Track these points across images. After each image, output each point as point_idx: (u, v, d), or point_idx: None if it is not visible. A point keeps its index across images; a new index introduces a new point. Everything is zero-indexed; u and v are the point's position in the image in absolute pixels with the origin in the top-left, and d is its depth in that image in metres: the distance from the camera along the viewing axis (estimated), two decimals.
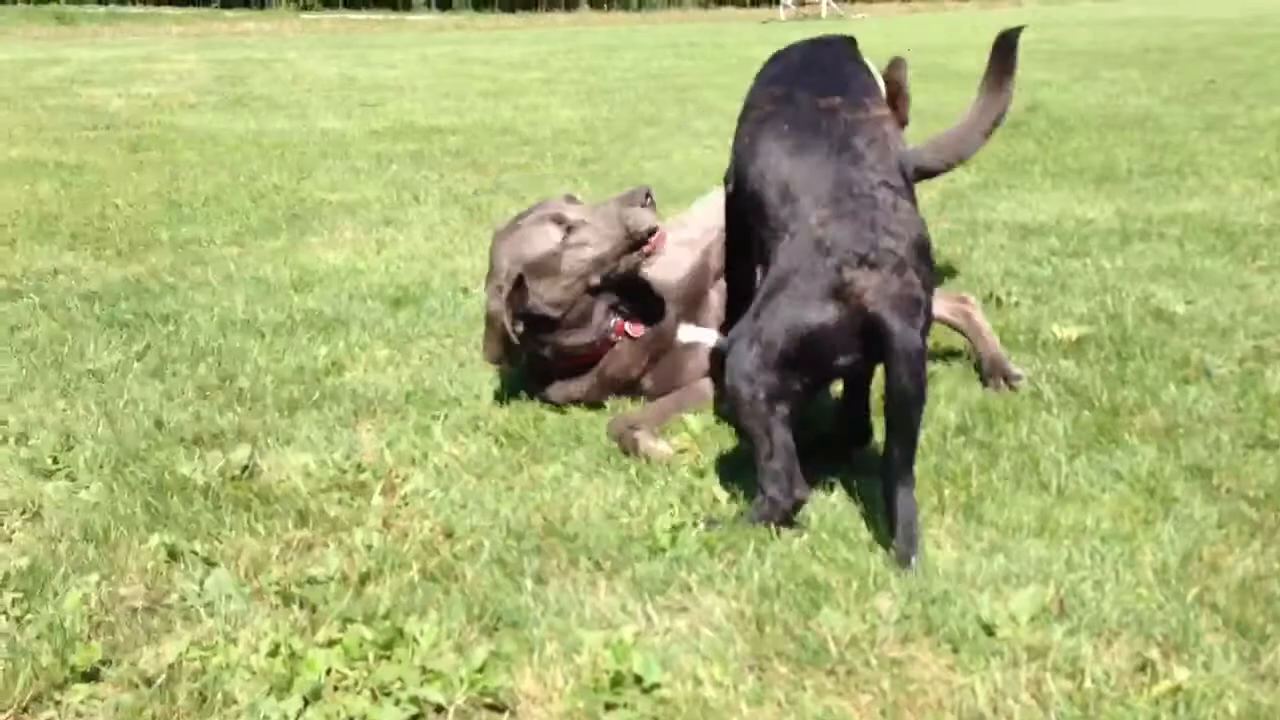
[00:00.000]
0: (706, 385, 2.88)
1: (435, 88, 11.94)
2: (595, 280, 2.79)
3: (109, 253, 4.53)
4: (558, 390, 2.86)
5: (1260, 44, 14.17)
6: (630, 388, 2.88)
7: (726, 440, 2.57)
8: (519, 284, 2.72)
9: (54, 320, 3.60)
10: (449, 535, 2.19)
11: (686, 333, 2.93)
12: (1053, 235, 4.38)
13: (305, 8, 47.40)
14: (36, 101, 10.65)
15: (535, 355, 2.83)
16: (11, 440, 2.65)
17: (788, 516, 2.16)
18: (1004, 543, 2.07)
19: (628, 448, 2.56)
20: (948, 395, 2.77)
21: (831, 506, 2.24)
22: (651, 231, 2.79)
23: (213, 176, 6.34)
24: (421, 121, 8.92)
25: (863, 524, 2.17)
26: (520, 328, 2.73)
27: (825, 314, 2.07)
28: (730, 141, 2.63)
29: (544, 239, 2.78)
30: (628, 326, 2.88)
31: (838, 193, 2.17)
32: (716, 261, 3.00)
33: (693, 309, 2.96)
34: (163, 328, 3.52)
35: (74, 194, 5.81)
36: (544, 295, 2.76)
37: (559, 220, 2.80)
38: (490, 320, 2.75)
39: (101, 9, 41.48)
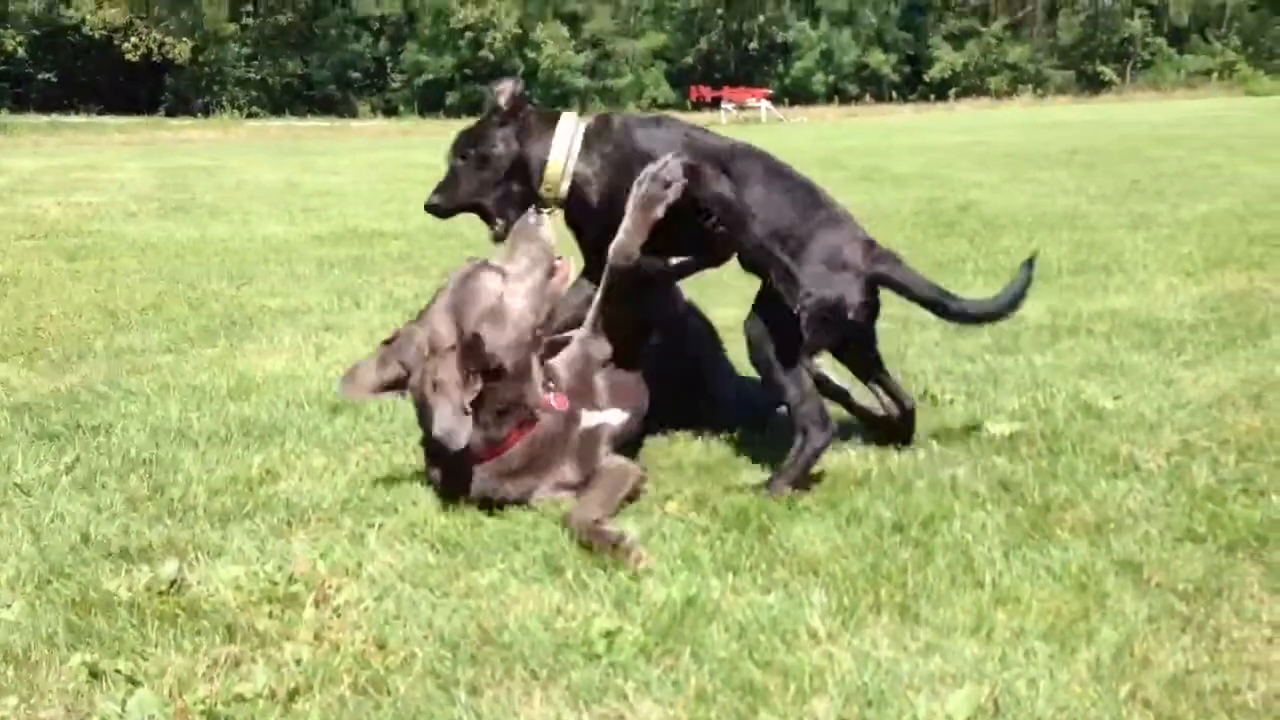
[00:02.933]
0: (631, 465, 2.92)
1: (379, 193, 12.05)
2: (540, 320, 2.87)
3: (41, 363, 4.47)
4: (483, 481, 2.84)
5: (1182, 145, 14.74)
6: (553, 469, 2.87)
7: (664, 542, 2.56)
8: (474, 343, 2.73)
9: None
10: (381, 647, 2.15)
11: (590, 417, 2.97)
12: (985, 333, 4.47)
13: (250, 115, 47.74)
14: None
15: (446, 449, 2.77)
16: None
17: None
18: (940, 642, 2.07)
19: (601, 545, 2.53)
20: (886, 496, 2.79)
21: (768, 607, 2.24)
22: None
23: (151, 284, 6.31)
24: (365, 226, 8.97)
25: (798, 621, 2.16)
26: (478, 386, 2.72)
27: None
28: None
29: (486, 290, 2.81)
30: (553, 399, 2.89)
31: None
32: (597, 351, 3.08)
33: (583, 398, 3.00)
34: (94, 439, 3.47)
35: (7, 304, 5.75)
36: (501, 343, 2.78)
37: (491, 267, 2.85)
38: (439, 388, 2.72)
39: (44, 119, 41.45)
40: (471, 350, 2.73)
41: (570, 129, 3.14)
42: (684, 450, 3.25)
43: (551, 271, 2.93)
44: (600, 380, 3.06)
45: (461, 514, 2.80)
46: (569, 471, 2.90)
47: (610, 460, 2.95)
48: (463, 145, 3.18)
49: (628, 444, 3.11)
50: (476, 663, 2.09)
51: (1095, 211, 8.31)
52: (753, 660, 2.04)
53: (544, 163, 3.11)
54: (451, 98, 57.02)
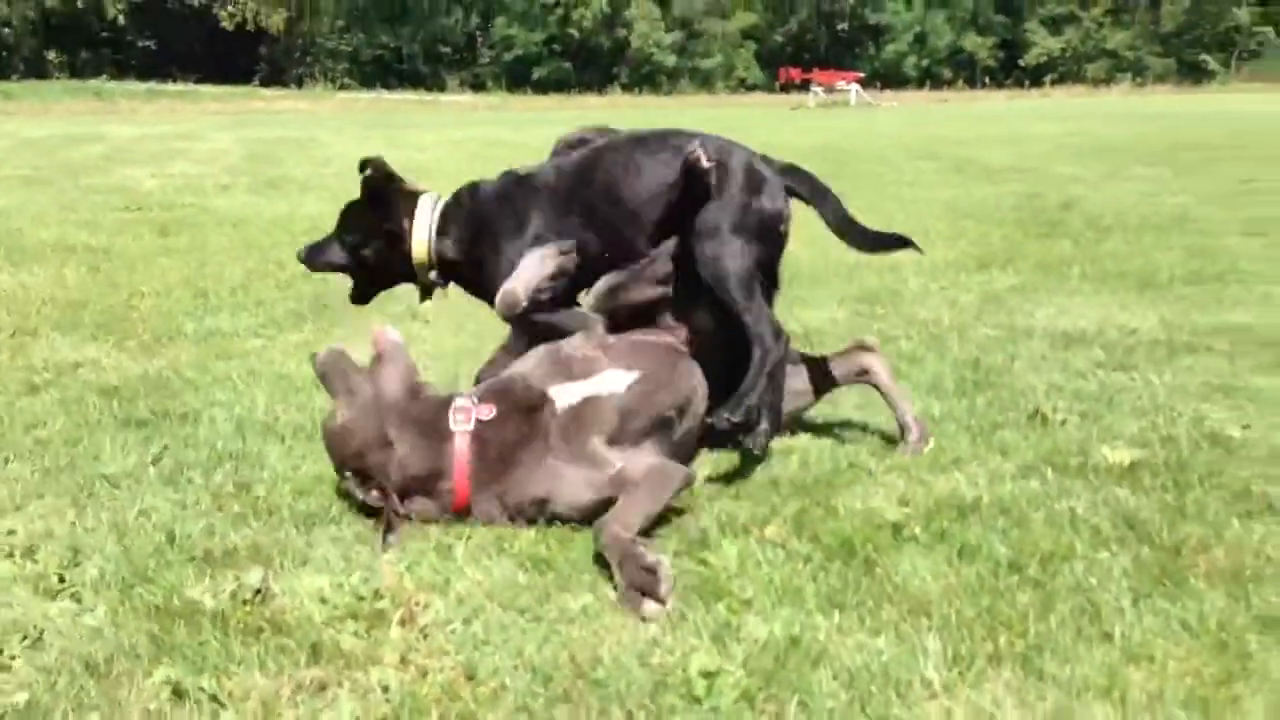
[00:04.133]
0: (672, 466, 2.78)
1: (465, 171, 12.00)
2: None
3: (132, 345, 4.46)
4: (481, 504, 2.77)
5: None
6: (538, 455, 2.75)
7: (762, 570, 2.43)
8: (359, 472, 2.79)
9: (70, 418, 3.51)
10: (470, 677, 2.06)
11: (566, 392, 2.82)
12: (1096, 345, 4.26)
13: (341, 88, 48.35)
14: (71, 180, 10.76)
15: None
16: (18, 555, 2.54)
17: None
18: (1070, 704, 1.92)
19: (629, 568, 2.36)
20: (999, 528, 2.63)
21: (878, 652, 2.10)
22: None
23: (241, 263, 6.32)
24: None
25: (911, 670, 2.02)
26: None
27: None
28: None
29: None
30: (475, 409, 2.81)
31: None
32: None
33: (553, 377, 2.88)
34: (181, 429, 3.43)
35: (101, 280, 5.78)
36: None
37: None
38: None
39: (141, 86, 42.43)
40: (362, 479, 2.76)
41: (428, 209, 3.30)
42: (780, 466, 3.11)
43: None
44: (583, 353, 2.91)
45: (549, 531, 2.70)
46: (565, 452, 2.73)
47: (646, 461, 2.74)
48: (346, 222, 3.36)
49: (657, 419, 2.87)
50: (570, 700, 1.98)
51: (1206, 214, 7.94)
52: (865, 714, 1.90)
53: (408, 248, 3.28)
54: (539, 73, 57.12)
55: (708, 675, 2.03)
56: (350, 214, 3.35)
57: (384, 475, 2.74)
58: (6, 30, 53.77)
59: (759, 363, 2.97)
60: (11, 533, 2.66)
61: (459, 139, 17.95)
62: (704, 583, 2.41)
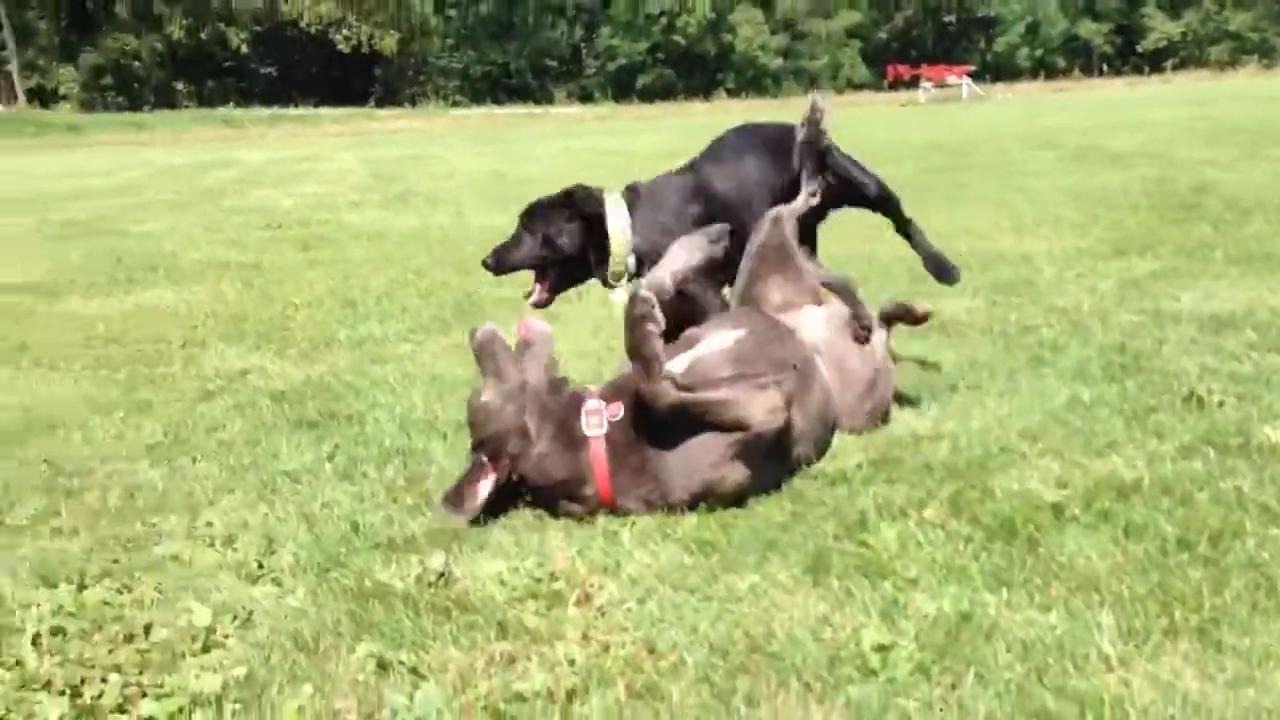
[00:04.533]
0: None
1: (581, 179, 12.20)
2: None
3: (292, 352, 4.69)
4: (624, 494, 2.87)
5: None
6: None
7: (924, 550, 2.48)
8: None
9: (247, 421, 3.73)
10: (651, 650, 2.15)
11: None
12: (1248, 328, 4.17)
13: (453, 104, 49.35)
14: (212, 204, 11.27)
15: None
16: (218, 544, 2.72)
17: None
18: (1251, 674, 1.92)
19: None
20: (1164, 508, 2.62)
21: (1050, 627, 2.13)
22: None
23: (382, 273, 6.57)
24: None
25: (1086, 644, 2.05)
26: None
27: None
28: None
29: None
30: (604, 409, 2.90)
31: None
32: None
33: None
34: (349, 428, 3.61)
35: (255, 294, 6.08)
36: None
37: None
38: None
39: (265, 112, 43.98)
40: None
41: (616, 199, 3.66)
42: (931, 451, 3.14)
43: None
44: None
45: (710, 514, 2.78)
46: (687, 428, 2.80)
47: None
48: (538, 219, 3.69)
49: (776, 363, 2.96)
50: (748, 672, 2.06)
51: None
52: (1043, 685, 1.94)
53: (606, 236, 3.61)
54: (643, 81, 57.46)
55: (881, 649, 2.09)
56: (542, 211, 3.65)
57: (515, 461, 2.83)
58: (137, 63, 56.21)
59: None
60: (210, 524, 2.85)
61: (572, 149, 18.22)
62: (867, 563, 2.46)
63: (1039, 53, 59.16)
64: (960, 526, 2.61)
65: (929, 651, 2.07)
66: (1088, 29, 59.77)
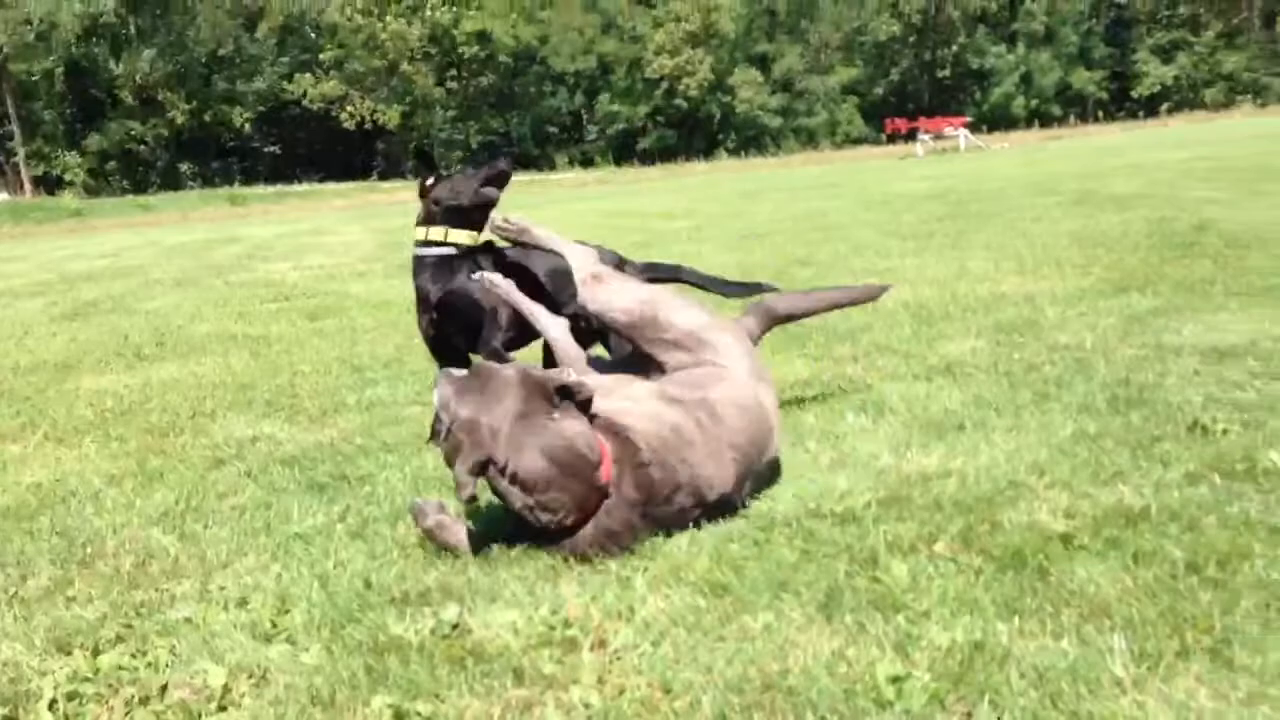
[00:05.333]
0: None
1: (589, 239, 12.31)
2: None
3: (301, 419, 4.73)
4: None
5: None
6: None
7: (935, 584, 2.49)
8: None
9: (258, 486, 3.75)
10: (667, 691, 2.16)
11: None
12: (1250, 357, 4.20)
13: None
14: (219, 278, 11.38)
15: None
16: (232, 605, 2.73)
17: None
18: (1265, 690, 1.92)
19: None
20: (1171, 534, 2.63)
21: (1063, 653, 2.13)
22: None
23: (389, 339, 6.62)
24: None
25: (1099, 668, 2.05)
26: None
27: None
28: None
29: None
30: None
31: None
32: None
33: None
34: (360, 489, 3.63)
35: (263, 364, 6.12)
36: None
37: None
38: None
39: (270, 189, 44.53)
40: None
41: None
42: (940, 487, 3.15)
43: None
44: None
45: (722, 556, 2.79)
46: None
47: None
48: None
49: None
50: (764, 709, 2.06)
51: None
52: (1057, 709, 1.94)
53: None
54: (644, 143, 58.05)
55: (895, 680, 2.09)
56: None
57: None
58: (142, 147, 57.06)
59: None
60: (223, 588, 2.86)
61: (577, 211, 18.41)
62: (879, 598, 2.47)
63: (1034, 102, 59.77)
64: (971, 559, 2.62)
65: (943, 681, 2.08)
66: (1081, 77, 60.45)
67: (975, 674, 2.09)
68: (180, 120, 56.04)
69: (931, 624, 2.31)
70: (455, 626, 2.51)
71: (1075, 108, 57.51)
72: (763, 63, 62.28)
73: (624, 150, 57.74)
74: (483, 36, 59.35)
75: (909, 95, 62.03)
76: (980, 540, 2.72)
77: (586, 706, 2.12)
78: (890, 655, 2.21)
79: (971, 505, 2.98)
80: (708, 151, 53.94)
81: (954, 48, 62.46)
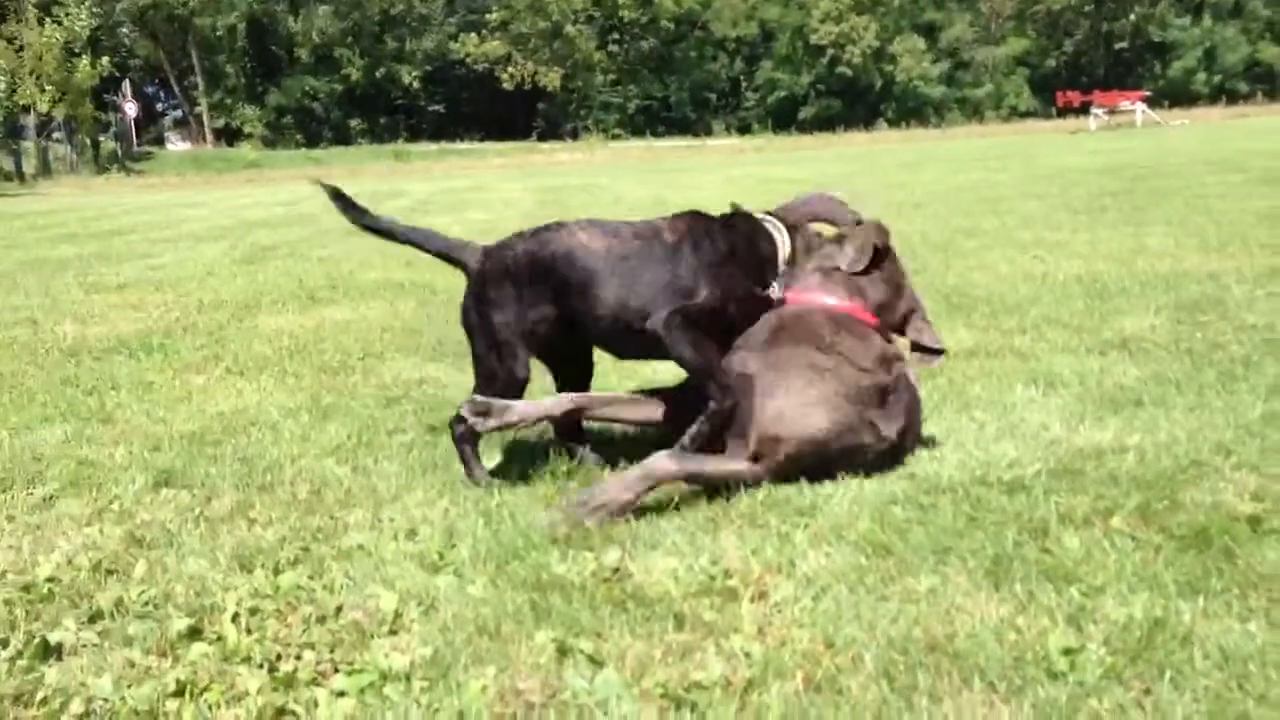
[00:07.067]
0: None
1: (743, 202, 12.23)
2: None
3: (466, 365, 4.81)
4: None
5: None
6: None
7: (1111, 558, 2.40)
8: None
9: (426, 425, 3.86)
10: (829, 646, 2.14)
11: None
12: None
13: (613, 138, 50.17)
14: None
15: None
16: (401, 536, 2.82)
17: None
18: None
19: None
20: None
21: (1250, 636, 2.03)
22: None
23: None
24: None
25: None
26: None
27: None
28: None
29: None
30: None
31: None
32: None
33: None
34: (520, 434, 3.69)
35: (430, 311, 6.29)
36: None
37: None
38: None
39: (433, 146, 45.60)
40: None
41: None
42: (1117, 462, 3.04)
43: None
44: None
45: (885, 517, 2.75)
46: None
47: None
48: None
49: None
50: (929, 669, 2.02)
51: None
52: (1244, 691, 1.85)
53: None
54: (805, 113, 57.31)
55: (1068, 652, 2.03)
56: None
57: None
58: (316, 103, 59.08)
59: None
60: (393, 519, 2.96)
61: (732, 177, 18.30)
62: (1050, 569, 2.40)
63: (1218, 78, 56.70)
64: (1150, 536, 2.52)
65: (1120, 656, 2.01)
66: (1271, 53, 57.04)
67: (1155, 651, 2.01)
68: (355, 77, 57.81)
69: (1107, 598, 2.23)
70: (616, 570, 2.54)
71: (1264, 85, 54.27)
72: (929, 31, 60.64)
73: (782, 118, 57.08)
74: (646, 0, 59.40)
75: (1082, 68, 59.55)
76: (1160, 517, 2.61)
77: (747, 655, 2.12)
78: (1063, 626, 2.14)
79: (1151, 482, 2.87)
80: (868, 122, 52.90)
81: (1133, 18, 59.70)
